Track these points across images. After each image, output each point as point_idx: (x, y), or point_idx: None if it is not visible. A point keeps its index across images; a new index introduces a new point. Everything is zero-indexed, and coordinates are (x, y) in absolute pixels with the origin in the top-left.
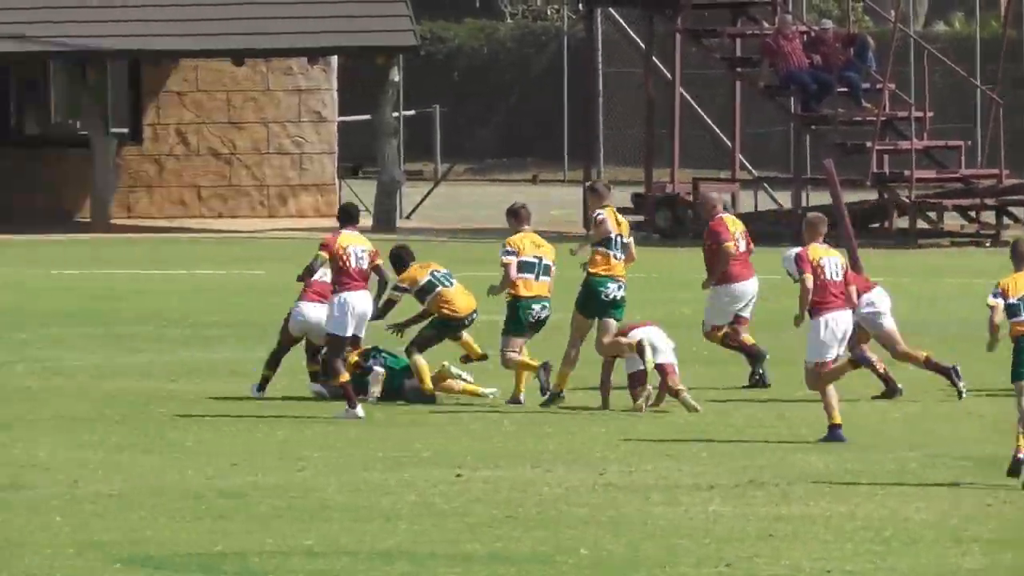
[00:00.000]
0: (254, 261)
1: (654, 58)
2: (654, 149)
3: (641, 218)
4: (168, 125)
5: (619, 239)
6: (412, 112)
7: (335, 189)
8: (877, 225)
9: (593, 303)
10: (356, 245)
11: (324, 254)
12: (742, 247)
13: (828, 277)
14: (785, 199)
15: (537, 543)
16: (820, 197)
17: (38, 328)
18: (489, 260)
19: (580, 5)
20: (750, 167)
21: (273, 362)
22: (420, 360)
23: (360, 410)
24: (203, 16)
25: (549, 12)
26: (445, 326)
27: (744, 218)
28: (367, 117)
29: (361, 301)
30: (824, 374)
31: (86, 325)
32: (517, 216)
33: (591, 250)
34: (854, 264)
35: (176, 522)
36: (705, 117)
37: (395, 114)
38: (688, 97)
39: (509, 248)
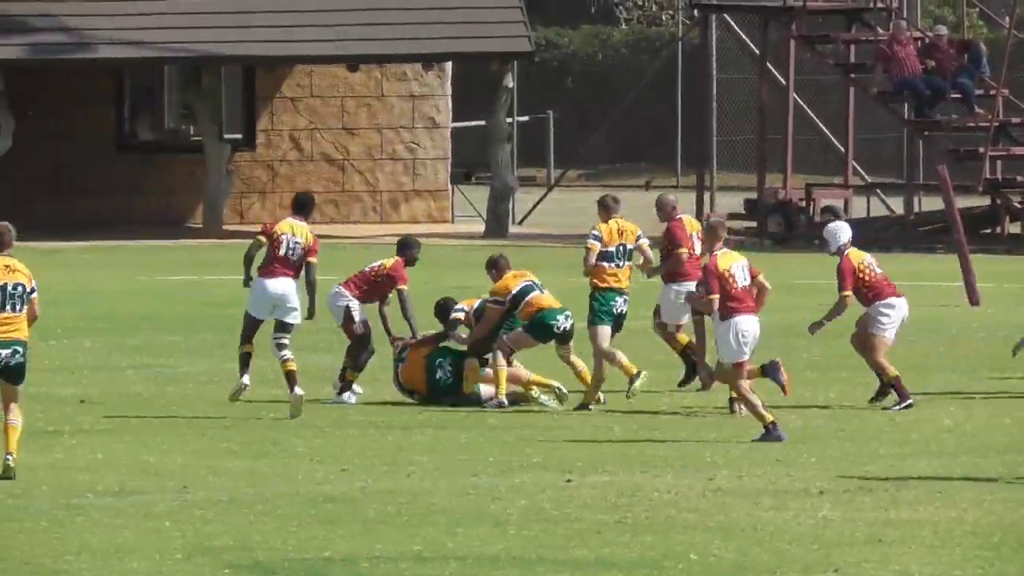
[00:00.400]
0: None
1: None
2: (766, 155)
3: (753, 224)
4: (282, 131)
5: (621, 248)
6: (526, 118)
7: (448, 195)
8: (989, 231)
9: (603, 316)
10: (292, 234)
11: (261, 238)
12: (697, 249)
13: (739, 285)
14: (898, 205)
15: (646, 548)
16: (932, 203)
17: (149, 333)
18: None
19: (695, 11)
20: (863, 173)
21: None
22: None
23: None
24: (317, 22)
25: (663, 18)
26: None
27: (856, 223)
28: (480, 123)
29: (278, 286)
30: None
31: (196, 331)
32: (497, 266)
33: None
34: (965, 271)
35: (285, 527)
36: (818, 123)
37: (508, 120)
38: (801, 102)
39: (497, 298)
